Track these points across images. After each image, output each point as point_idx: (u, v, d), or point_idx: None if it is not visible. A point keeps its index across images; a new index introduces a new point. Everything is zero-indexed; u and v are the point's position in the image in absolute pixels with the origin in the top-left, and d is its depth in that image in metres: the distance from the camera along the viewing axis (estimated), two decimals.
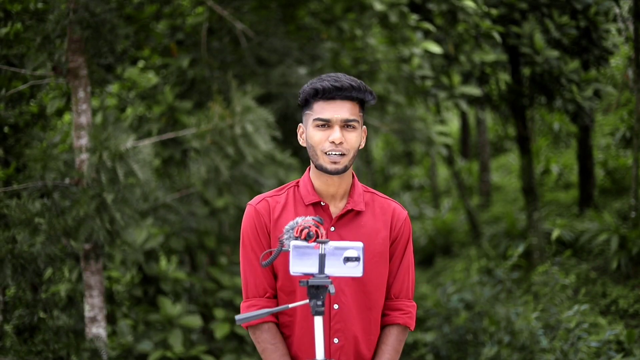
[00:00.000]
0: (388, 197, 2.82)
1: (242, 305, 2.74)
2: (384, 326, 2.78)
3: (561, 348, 6.70)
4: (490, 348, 7.44)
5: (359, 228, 2.71)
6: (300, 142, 2.75)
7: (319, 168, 2.67)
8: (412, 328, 2.79)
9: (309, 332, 2.65)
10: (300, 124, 2.76)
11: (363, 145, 2.76)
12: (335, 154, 2.63)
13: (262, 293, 2.72)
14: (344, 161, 2.64)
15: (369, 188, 2.84)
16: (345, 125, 2.64)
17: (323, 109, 2.64)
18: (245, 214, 2.75)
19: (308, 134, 2.68)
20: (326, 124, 2.64)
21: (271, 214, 2.70)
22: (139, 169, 5.25)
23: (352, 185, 2.76)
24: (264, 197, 2.76)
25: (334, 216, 2.71)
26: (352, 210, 2.72)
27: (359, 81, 2.67)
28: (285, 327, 2.73)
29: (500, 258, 10.18)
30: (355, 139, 2.66)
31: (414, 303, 2.83)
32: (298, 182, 2.78)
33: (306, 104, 2.70)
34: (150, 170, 5.45)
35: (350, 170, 2.75)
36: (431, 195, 16.03)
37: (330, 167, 2.64)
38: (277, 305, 2.71)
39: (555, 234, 9.38)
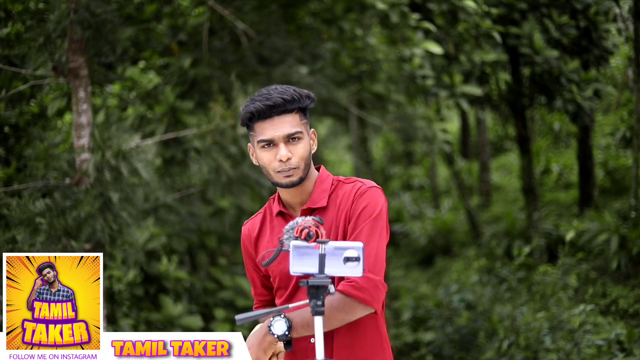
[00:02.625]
0: (356, 180, 2.75)
1: None
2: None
3: (564, 348, 6.71)
4: (494, 346, 7.45)
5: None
6: (254, 162, 2.77)
7: (276, 185, 2.71)
8: (362, 300, 2.55)
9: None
10: (249, 144, 2.77)
11: (315, 148, 2.76)
12: (286, 170, 2.65)
13: (256, 300, 2.92)
14: (297, 173, 2.66)
15: (340, 178, 2.78)
16: (290, 139, 2.64)
17: (264, 129, 2.64)
18: None
19: (257, 155, 2.70)
20: (270, 143, 2.65)
21: (251, 235, 2.83)
22: (143, 169, 5.27)
23: (315, 184, 2.75)
24: (250, 219, 2.88)
25: None
26: (311, 209, 2.72)
27: (290, 91, 2.64)
28: None
29: (501, 258, 10.18)
30: (302, 149, 2.66)
31: (374, 278, 2.57)
32: (273, 197, 2.85)
33: (247, 126, 2.71)
34: (152, 170, 5.47)
35: (312, 172, 2.75)
36: (431, 195, 16.04)
37: (285, 181, 2.67)
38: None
39: (570, 235, 9.29)
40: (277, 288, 2.79)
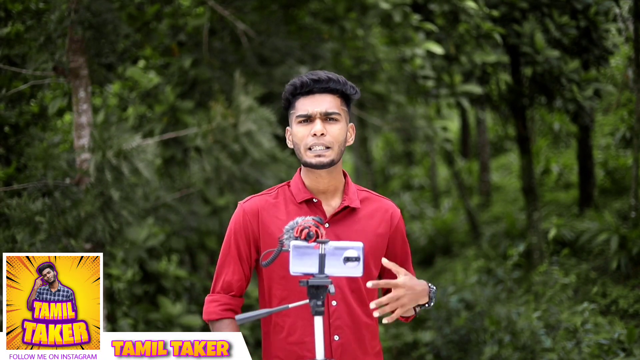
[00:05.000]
0: (382, 196, 2.85)
1: (207, 299, 2.77)
2: None
3: (564, 348, 6.71)
4: (491, 348, 7.45)
5: (353, 224, 2.72)
6: (289, 145, 2.76)
7: (306, 165, 2.68)
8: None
9: (303, 331, 2.68)
10: (287, 127, 2.76)
11: (351, 141, 2.77)
12: (319, 148, 2.64)
13: (228, 290, 2.75)
14: (330, 154, 2.65)
15: (363, 187, 2.85)
16: (327, 118, 2.65)
17: (303, 105, 2.66)
18: (235, 212, 2.77)
19: (292, 132, 2.70)
20: (307, 118, 2.65)
21: (259, 214, 2.72)
22: (144, 168, 5.27)
23: (346, 184, 2.77)
24: (253, 196, 2.79)
25: (327, 214, 2.72)
26: (347, 207, 2.73)
27: (338, 75, 2.69)
28: (278, 326, 2.73)
29: (500, 258, 10.19)
30: (338, 131, 2.66)
31: None
32: (289, 183, 2.80)
33: (289, 104, 2.72)
34: (153, 170, 5.47)
35: (341, 168, 2.76)
36: (431, 195, 16.04)
37: (315, 160, 2.64)
38: (240, 302, 2.75)
39: (553, 233, 9.39)
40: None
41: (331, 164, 2.66)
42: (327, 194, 2.73)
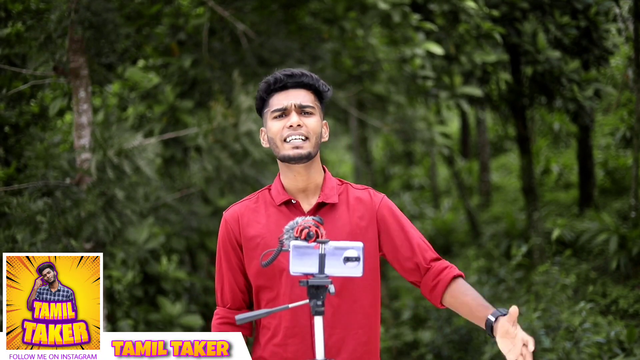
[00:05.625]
0: (363, 186, 2.81)
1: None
2: (444, 290, 2.79)
3: (563, 348, 6.71)
4: (491, 347, 7.44)
5: (334, 222, 2.69)
6: (264, 145, 2.75)
7: (283, 159, 2.66)
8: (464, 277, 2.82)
9: (297, 333, 2.66)
10: (262, 128, 2.75)
11: (326, 137, 2.76)
12: (295, 139, 2.62)
13: (224, 303, 2.78)
14: (307, 146, 2.63)
15: (343, 180, 2.83)
16: (302, 111, 2.65)
17: (278, 100, 2.66)
18: (220, 223, 2.79)
19: (267, 128, 2.69)
20: (283, 113, 2.65)
21: (240, 220, 2.72)
22: (145, 167, 5.28)
23: (324, 180, 2.75)
24: (235, 204, 2.79)
25: (306, 213, 2.71)
26: (324, 204, 2.71)
27: (310, 72, 2.70)
28: (268, 329, 2.72)
29: (501, 258, 10.19)
30: (314, 123, 2.66)
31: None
32: (269, 187, 2.79)
33: (263, 104, 2.72)
34: (154, 169, 5.48)
35: (320, 164, 2.75)
36: (431, 195, 16.04)
37: (292, 152, 2.63)
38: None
39: (556, 233, 9.39)
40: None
41: (309, 156, 2.64)
42: (308, 192, 2.72)
